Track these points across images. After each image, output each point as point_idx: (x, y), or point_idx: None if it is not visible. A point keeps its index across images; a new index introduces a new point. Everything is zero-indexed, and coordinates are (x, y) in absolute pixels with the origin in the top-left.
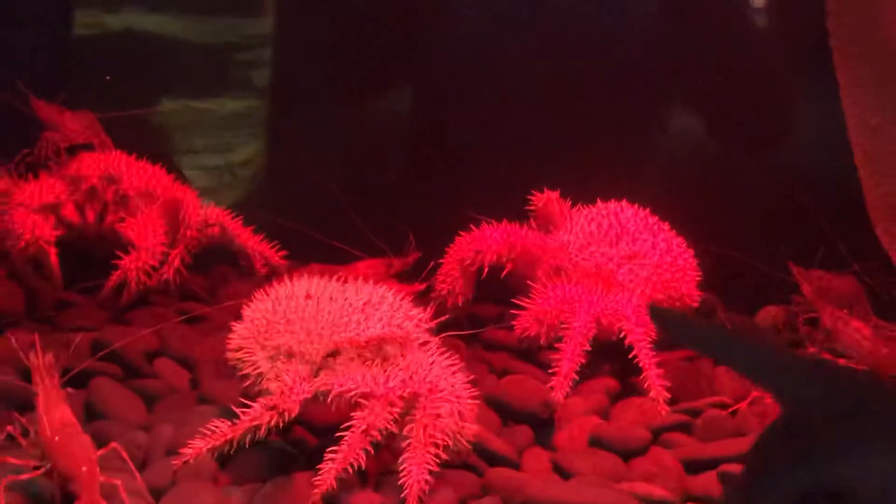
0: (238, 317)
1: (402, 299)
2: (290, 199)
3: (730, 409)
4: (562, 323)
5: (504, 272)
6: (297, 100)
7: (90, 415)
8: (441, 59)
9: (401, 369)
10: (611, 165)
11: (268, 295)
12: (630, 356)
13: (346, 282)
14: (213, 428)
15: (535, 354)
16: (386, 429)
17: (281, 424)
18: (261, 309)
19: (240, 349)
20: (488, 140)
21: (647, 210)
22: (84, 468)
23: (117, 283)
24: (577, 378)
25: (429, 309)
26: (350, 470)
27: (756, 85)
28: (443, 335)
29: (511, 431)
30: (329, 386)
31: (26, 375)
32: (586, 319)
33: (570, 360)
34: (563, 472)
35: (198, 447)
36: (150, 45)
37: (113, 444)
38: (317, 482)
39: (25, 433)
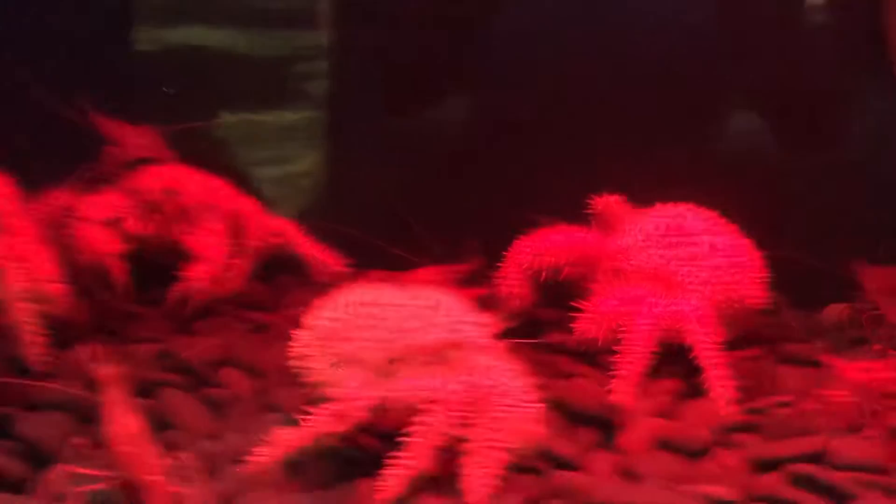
0: (301, 325)
1: (464, 304)
2: (351, 208)
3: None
4: (621, 326)
5: (562, 275)
6: (355, 109)
7: (158, 425)
8: (498, 64)
9: (464, 374)
10: (676, 168)
11: (330, 303)
12: (691, 356)
13: (407, 288)
14: (279, 436)
15: (597, 357)
16: (450, 434)
17: (346, 431)
18: (323, 317)
19: (303, 357)
20: (548, 143)
21: (712, 212)
22: (153, 478)
23: (182, 295)
24: (640, 380)
25: (491, 314)
26: (415, 475)
27: (818, 82)
28: (505, 339)
29: (575, 434)
30: (393, 392)
31: (94, 388)
32: (646, 322)
33: (632, 363)
34: (627, 475)
35: (264, 455)
36: (209, 60)
37: (181, 454)
38: (382, 488)
39: (95, 444)
